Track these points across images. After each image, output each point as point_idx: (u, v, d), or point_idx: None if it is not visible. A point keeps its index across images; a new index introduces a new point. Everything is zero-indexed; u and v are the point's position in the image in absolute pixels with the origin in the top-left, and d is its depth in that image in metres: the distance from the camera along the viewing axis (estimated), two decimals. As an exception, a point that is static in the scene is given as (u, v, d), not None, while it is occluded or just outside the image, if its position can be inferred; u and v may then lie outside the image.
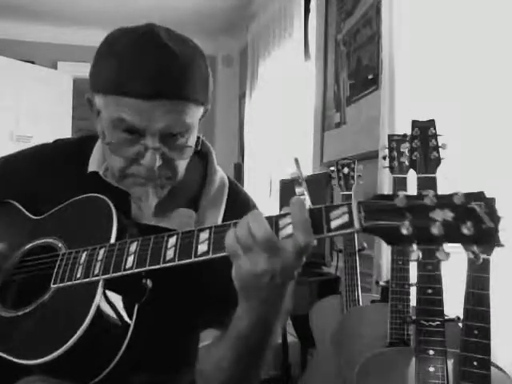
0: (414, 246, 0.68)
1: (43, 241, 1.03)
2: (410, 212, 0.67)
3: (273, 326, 0.87)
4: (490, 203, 0.65)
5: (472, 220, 0.65)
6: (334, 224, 0.71)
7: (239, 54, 5.22)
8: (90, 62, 0.96)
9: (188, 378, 1.04)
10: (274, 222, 0.75)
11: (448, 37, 1.83)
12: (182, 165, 0.98)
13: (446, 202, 0.66)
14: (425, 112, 1.53)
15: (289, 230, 0.74)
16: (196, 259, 0.80)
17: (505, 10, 1.63)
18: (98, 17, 4.67)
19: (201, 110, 0.96)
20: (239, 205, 1.05)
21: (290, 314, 2.68)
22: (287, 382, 2.78)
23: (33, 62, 4.79)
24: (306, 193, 0.76)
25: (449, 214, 0.66)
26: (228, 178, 1.11)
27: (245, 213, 0.83)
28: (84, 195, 1.02)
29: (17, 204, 1.11)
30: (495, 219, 0.65)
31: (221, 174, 1.09)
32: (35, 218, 1.08)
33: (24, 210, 1.10)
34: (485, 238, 0.65)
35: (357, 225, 0.70)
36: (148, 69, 0.88)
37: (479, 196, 0.66)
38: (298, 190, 0.76)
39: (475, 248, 0.66)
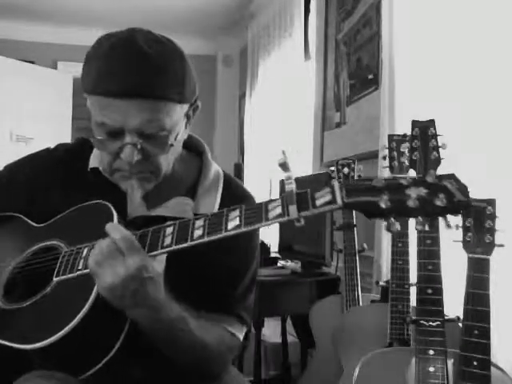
0: (392, 219, 0.76)
1: (46, 243, 1.07)
2: (387, 190, 0.75)
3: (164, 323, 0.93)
4: (460, 182, 0.73)
5: (445, 193, 0.72)
6: (318, 202, 0.79)
7: (239, 53, 5.21)
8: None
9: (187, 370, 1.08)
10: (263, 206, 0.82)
11: (448, 37, 1.83)
12: (164, 160, 1.02)
13: (420, 181, 0.74)
14: (425, 112, 1.53)
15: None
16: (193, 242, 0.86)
17: (505, 9, 1.63)
18: (98, 17, 4.67)
19: (178, 107, 0.99)
20: (236, 197, 1.11)
21: (290, 313, 2.69)
22: (287, 382, 2.78)
23: (33, 62, 4.78)
24: (292, 177, 0.83)
25: (423, 191, 0.73)
26: (224, 172, 1.18)
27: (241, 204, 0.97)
28: (86, 203, 1.06)
29: (22, 216, 1.15)
30: (466, 194, 0.72)
31: (216, 168, 1.16)
32: (38, 225, 1.12)
33: (28, 220, 1.14)
34: (457, 209, 0.73)
35: (339, 201, 0.77)
36: (121, 70, 0.94)
37: (450, 176, 0.74)
38: (285, 174, 0.81)
39: (448, 217, 0.74)
